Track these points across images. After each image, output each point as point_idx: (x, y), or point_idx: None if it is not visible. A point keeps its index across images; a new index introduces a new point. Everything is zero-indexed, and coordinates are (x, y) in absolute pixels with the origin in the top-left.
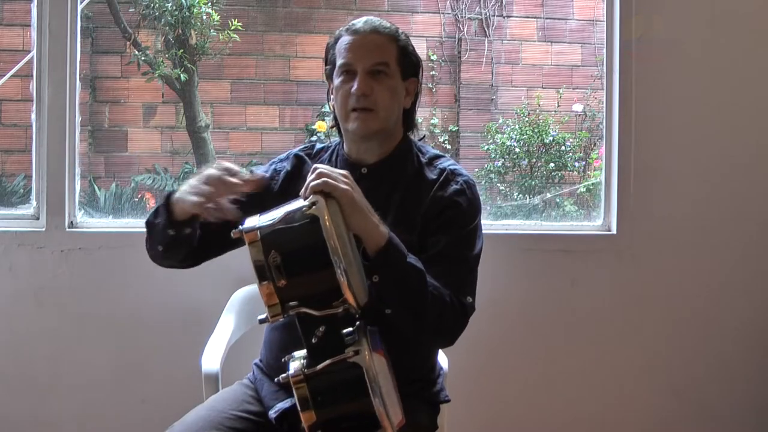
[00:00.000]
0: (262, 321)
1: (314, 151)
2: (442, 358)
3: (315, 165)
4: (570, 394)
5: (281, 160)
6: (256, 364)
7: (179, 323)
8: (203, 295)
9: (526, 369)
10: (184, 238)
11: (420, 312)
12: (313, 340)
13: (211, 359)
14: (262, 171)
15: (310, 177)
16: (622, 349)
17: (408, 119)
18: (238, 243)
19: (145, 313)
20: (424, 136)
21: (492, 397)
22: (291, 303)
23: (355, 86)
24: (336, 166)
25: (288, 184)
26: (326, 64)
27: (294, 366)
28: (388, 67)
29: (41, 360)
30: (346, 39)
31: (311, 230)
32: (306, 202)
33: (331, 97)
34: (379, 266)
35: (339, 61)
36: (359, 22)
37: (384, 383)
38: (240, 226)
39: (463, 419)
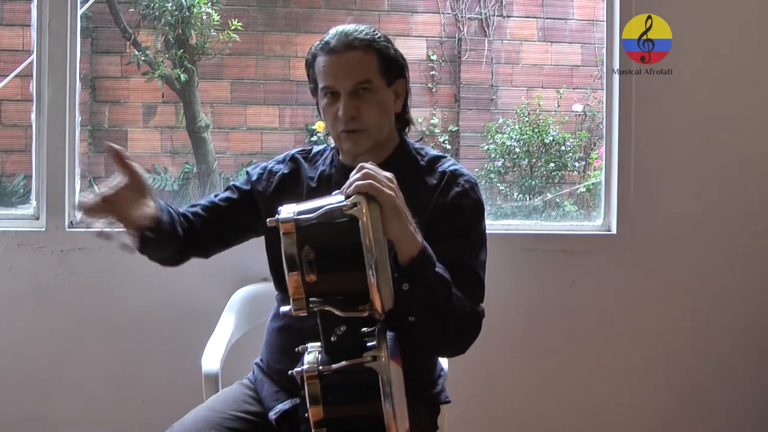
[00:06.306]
0: (285, 313)
1: (311, 153)
2: (443, 359)
3: (361, 164)
4: (570, 394)
5: (279, 162)
6: (256, 363)
7: (179, 323)
8: (203, 295)
9: (526, 369)
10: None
11: (444, 322)
12: (332, 339)
13: (211, 359)
14: (257, 171)
15: (355, 175)
16: (622, 349)
17: (401, 121)
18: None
19: (145, 312)
20: (422, 138)
21: (492, 398)
22: (316, 299)
23: (341, 111)
24: (332, 171)
25: (283, 186)
26: (309, 81)
27: (308, 360)
28: (371, 83)
29: (41, 360)
30: (322, 60)
31: (349, 230)
32: (347, 201)
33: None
34: (412, 275)
35: (320, 84)
36: (333, 38)
37: (397, 392)
38: (277, 215)
39: (463, 420)
